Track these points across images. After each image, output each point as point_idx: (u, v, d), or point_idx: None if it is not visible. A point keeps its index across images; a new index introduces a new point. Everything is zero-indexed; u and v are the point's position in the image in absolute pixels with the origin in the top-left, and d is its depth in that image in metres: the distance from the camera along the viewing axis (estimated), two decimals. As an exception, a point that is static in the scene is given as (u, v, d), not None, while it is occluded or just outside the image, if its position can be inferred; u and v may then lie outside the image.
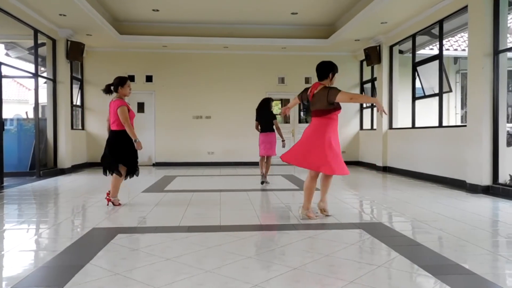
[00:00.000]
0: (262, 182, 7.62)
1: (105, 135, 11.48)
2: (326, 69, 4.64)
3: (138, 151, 5.35)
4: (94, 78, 11.65)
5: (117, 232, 3.99)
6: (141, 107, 11.92)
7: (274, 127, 7.52)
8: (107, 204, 5.39)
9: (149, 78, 11.86)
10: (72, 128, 10.42)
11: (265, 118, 7.55)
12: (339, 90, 4.35)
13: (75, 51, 9.91)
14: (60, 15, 8.48)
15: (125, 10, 9.71)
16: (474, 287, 2.68)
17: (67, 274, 2.82)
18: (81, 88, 11.53)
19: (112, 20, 10.14)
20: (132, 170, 5.41)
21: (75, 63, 10.87)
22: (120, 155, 5.25)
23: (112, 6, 9.40)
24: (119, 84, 5.30)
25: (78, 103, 11.40)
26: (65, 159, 9.77)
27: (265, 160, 7.69)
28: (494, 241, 3.78)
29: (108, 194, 5.40)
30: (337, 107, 4.46)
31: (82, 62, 11.31)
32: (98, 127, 11.64)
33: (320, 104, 4.43)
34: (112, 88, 5.34)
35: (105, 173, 5.39)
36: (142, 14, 10.03)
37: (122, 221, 4.64)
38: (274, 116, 7.59)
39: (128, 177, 5.47)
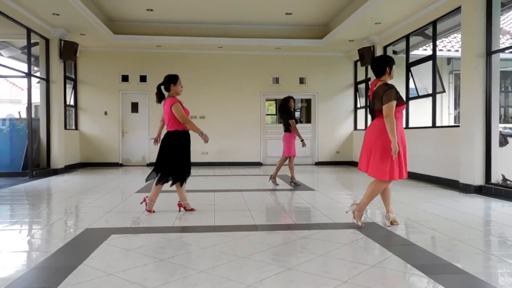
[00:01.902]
0: (291, 183, 7.54)
1: (99, 135, 11.42)
2: (382, 64, 4.27)
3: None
4: (87, 78, 11.60)
5: (111, 232, 3.97)
6: (134, 107, 11.88)
7: (290, 127, 7.37)
8: (179, 210, 5.07)
9: (143, 78, 11.81)
10: (65, 128, 10.36)
11: (283, 118, 7.53)
12: (392, 99, 3.96)
13: (69, 51, 9.86)
14: (53, 14, 8.43)
15: (119, 9, 9.67)
16: (467, 286, 2.70)
17: (60, 275, 2.81)
18: (75, 88, 11.47)
19: (106, 20, 10.10)
20: (181, 177, 5.00)
21: (69, 63, 10.81)
22: (172, 162, 4.87)
23: (106, 5, 9.35)
24: (171, 81, 5.02)
25: (72, 103, 11.34)
26: (58, 159, 9.71)
27: (287, 161, 7.60)
28: (486, 240, 3.81)
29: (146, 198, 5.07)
30: (401, 103, 4.10)
31: (76, 62, 11.25)
32: (92, 127, 11.60)
33: (378, 104, 4.09)
34: (163, 88, 5.07)
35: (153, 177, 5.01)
36: (136, 13, 9.99)
37: (115, 221, 4.61)
38: (290, 116, 7.39)
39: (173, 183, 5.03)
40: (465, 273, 2.86)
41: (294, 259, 3.14)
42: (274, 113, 15.03)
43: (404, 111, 4.16)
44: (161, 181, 4.92)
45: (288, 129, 7.40)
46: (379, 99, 4.07)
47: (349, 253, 3.38)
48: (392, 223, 4.29)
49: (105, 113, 11.66)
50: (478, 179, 6.55)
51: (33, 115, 9.63)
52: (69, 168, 10.48)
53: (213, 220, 4.59)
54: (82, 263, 3.04)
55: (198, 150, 11.86)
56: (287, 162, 7.61)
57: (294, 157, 7.55)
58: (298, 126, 12.69)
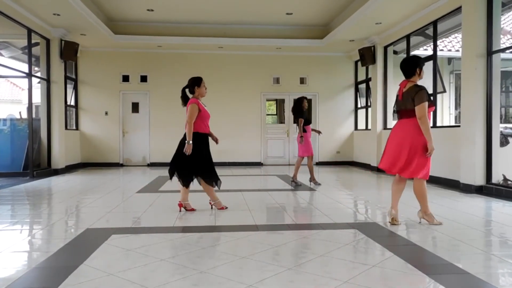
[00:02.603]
0: (311, 182, 7.66)
1: (99, 135, 11.44)
2: (413, 65, 4.27)
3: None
4: (88, 78, 11.61)
5: (112, 232, 3.97)
6: (135, 107, 11.88)
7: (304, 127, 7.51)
8: (179, 210, 5.02)
9: (143, 78, 11.82)
10: (66, 128, 10.36)
11: (295, 118, 7.65)
12: (425, 100, 4.04)
13: (69, 51, 9.86)
14: (54, 14, 8.44)
15: (120, 9, 9.68)
16: (468, 286, 2.70)
17: (61, 275, 2.81)
18: (75, 88, 11.48)
19: (107, 20, 10.10)
20: (209, 178, 5.00)
21: (69, 63, 10.82)
22: (194, 162, 4.89)
23: (106, 5, 9.36)
24: (195, 84, 5.03)
25: (72, 103, 11.35)
26: (58, 159, 9.71)
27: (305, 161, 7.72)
28: (487, 240, 3.81)
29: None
30: (431, 104, 4.15)
31: (76, 62, 11.25)
32: (92, 127, 11.61)
33: (410, 104, 4.13)
34: (188, 90, 5.07)
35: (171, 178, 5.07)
36: (137, 14, 10.00)
37: (116, 221, 4.62)
38: (299, 115, 7.48)
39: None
40: (465, 273, 2.86)
41: (295, 259, 3.13)
42: (275, 113, 15.03)
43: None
44: (187, 181, 4.96)
45: (303, 129, 7.50)
46: (411, 100, 4.12)
47: (350, 253, 3.38)
48: (393, 220, 4.28)
49: (106, 113, 11.67)
50: (479, 179, 6.54)
51: (33, 115, 9.65)
52: (70, 168, 10.49)
53: (213, 220, 4.59)
54: (82, 263, 3.04)
55: (198, 150, 11.88)
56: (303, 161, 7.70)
57: (312, 156, 7.65)
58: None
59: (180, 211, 5.02)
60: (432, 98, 4.20)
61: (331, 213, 4.97)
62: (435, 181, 7.73)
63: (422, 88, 4.15)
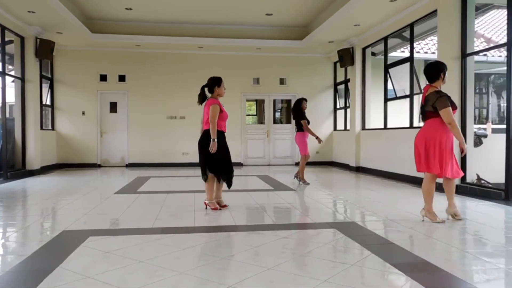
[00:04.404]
0: (295, 178, 8.06)
1: (76, 135, 11.25)
2: (437, 70, 4.42)
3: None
4: (64, 77, 11.38)
5: (89, 234, 3.91)
6: (113, 107, 11.71)
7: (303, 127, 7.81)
8: (205, 208, 5.16)
9: (121, 78, 11.66)
10: (41, 128, 10.13)
11: (295, 119, 7.94)
12: (447, 105, 4.18)
13: (45, 49, 9.64)
14: (29, 12, 8.23)
15: (97, 8, 9.52)
16: (444, 283, 2.76)
17: (36, 278, 2.74)
18: (51, 88, 11.23)
19: (84, 18, 9.92)
20: (223, 175, 5.10)
21: (45, 62, 10.58)
22: (209, 158, 4.99)
23: (83, 3, 9.19)
24: (215, 84, 5.13)
25: (48, 102, 11.10)
26: (34, 160, 9.49)
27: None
28: (462, 238, 3.90)
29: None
30: (453, 108, 4.28)
31: (52, 61, 11.01)
32: (69, 128, 11.38)
33: (429, 108, 4.32)
34: (206, 89, 5.15)
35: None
36: (115, 12, 9.85)
37: (93, 223, 4.54)
38: (301, 117, 7.80)
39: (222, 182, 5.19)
40: (441, 270, 2.92)
41: (274, 259, 3.14)
42: (255, 113, 15.05)
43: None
44: (202, 176, 5.11)
45: (300, 128, 7.83)
46: (430, 106, 4.30)
47: (329, 253, 3.41)
48: (453, 216, 4.50)
49: (83, 113, 11.46)
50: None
51: (7, 115, 9.39)
52: (46, 169, 10.26)
53: (193, 221, 4.56)
54: (59, 266, 2.98)
55: (178, 151, 11.80)
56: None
57: (307, 157, 7.98)
58: (279, 126, 12.83)
59: (206, 209, 5.13)
60: (453, 101, 4.38)
61: (310, 213, 5.00)
62: (412, 180, 7.87)
63: (442, 95, 4.28)
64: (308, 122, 7.87)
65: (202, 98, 5.17)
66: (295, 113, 7.94)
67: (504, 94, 12.25)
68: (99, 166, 11.49)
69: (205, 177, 5.12)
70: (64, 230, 4.14)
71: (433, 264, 3.05)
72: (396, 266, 2.98)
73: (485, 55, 11.86)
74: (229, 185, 5.19)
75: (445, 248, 3.49)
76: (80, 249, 3.43)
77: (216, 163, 5.03)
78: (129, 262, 3.08)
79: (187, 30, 10.87)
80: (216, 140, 4.92)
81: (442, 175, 4.38)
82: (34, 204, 5.90)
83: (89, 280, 2.71)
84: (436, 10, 7.18)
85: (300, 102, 7.91)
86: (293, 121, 12.11)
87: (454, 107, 4.31)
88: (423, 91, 4.53)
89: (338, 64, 11.64)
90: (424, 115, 4.47)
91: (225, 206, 5.24)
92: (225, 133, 5.24)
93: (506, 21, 6.23)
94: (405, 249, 3.45)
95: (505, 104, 6.14)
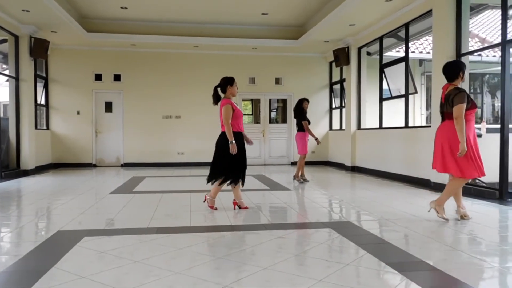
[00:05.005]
0: (299, 181, 8.01)
1: (71, 135, 11.19)
2: (456, 69, 4.44)
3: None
4: (59, 76, 11.32)
5: (84, 234, 3.89)
6: (108, 106, 11.66)
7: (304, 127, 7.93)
8: (234, 208, 5.19)
9: (117, 77, 11.61)
10: (36, 128, 10.07)
11: (297, 119, 8.05)
12: (463, 102, 4.18)
13: (39, 48, 9.58)
14: (23, 10, 8.18)
15: (92, 7, 9.47)
16: (438, 282, 2.77)
17: (31, 278, 2.73)
18: (46, 87, 11.17)
19: (79, 17, 9.87)
20: (234, 177, 5.08)
21: (39, 61, 10.53)
22: (226, 162, 4.99)
23: (78, 2, 9.14)
24: (228, 83, 5.15)
25: (43, 102, 11.04)
26: (28, 160, 9.43)
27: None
28: (456, 238, 3.92)
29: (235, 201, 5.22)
30: (472, 106, 4.27)
31: (47, 60, 10.96)
32: (64, 127, 11.33)
33: (450, 107, 4.30)
34: (220, 89, 5.15)
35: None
36: (110, 11, 9.81)
37: (89, 223, 4.52)
38: (303, 117, 7.91)
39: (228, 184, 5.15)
40: (436, 270, 2.93)
41: (270, 259, 3.15)
42: (251, 113, 15.04)
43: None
44: (226, 182, 5.07)
45: (301, 128, 7.94)
46: (450, 102, 4.29)
47: (325, 252, 3.42)
48: (462, 217, 4.52)
49: (78, 112, 11.41)
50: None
51: (1, 114, 9.33)
52: (40, 169, 10.20)
53: (188, 221, 4.55)
54: (53, 266, 2.97)
55: (173, 151, 11.78)
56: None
57: (305, 156, 8.06)
58: (275, 125, 12.83)
59: (234, 209, 5.16)
60: (472, 99, 4.39)
61: (306, 212, 5.01)
62: (407, 180, 7.91)
63: (461, 91, 4.29)
64: (309, 123, 7.94)
65: (216, 98, 5.18)
66: (296, 113, 8.05)
67: (498, 94, 12.32)
68: (94, 166, 11.44)
69: (213, 180, 5.08)
70: (59, 230, 4.12)
71: (428, 263, 3.06)
72: (391, 266, 2.99)
73: (479, 55, 11.93)
74: (242, 183, 5.18)
75: (440, 247, 3.51)
76: (75, 249, 3.41)
77: (232, 165, 5.02)
78: (125, 262, 3.07)
79: (182, 30, 10.84)
80: (234, 142, 4.93)
81: (481, 175, 4.36)
82: (29, 204, 5.86)
83: (84, 280, 2.70)
84: (431, 10, 7.21)
85: (302, 102, 8.01)
86: (290, 121, 12.25)
87: (474, 106, 4.32)
88: (442, 90, 4.57)
89: (333, 64, 11.65)
90: (443, 115, 4.50)
91: (245, 207, 5.20)
92: (243, 133, 5.27)
93: (500, 21, 6.26)
94: (400, 248, 3.46)
95: (499, 104, 6.17)
